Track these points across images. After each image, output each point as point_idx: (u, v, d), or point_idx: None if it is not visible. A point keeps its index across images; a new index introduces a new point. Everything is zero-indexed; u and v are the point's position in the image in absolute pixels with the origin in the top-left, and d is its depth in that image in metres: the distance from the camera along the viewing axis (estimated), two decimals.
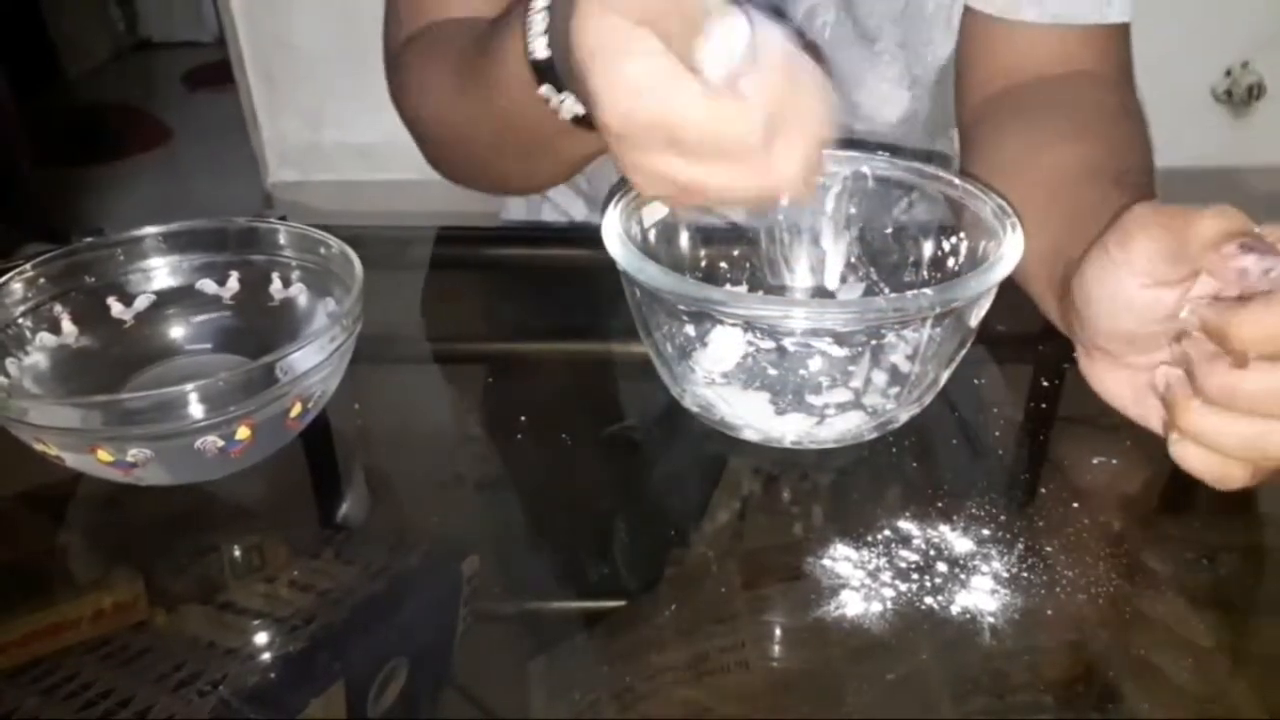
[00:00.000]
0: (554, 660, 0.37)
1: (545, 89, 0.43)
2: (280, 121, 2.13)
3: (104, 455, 0.39)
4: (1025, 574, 0.39)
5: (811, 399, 0.46)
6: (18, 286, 0.46)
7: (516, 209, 0.84)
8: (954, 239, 0.49)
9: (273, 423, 0.42)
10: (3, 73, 1.98)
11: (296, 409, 0.42)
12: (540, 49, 0.41)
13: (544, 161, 0.54)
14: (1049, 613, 0.37)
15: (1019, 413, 0.49)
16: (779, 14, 0.38)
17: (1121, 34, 0.61)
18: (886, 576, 0.39)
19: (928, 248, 0.50)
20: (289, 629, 0.38)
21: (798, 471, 0.45)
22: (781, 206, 0.52)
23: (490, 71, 0.48)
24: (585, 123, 0.42)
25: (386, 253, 0.65)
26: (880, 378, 0.46)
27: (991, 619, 0.37)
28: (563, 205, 0.79)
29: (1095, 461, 0.45)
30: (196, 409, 0.39)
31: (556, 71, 0.42)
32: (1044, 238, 0.47)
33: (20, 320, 0.46)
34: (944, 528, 0.41)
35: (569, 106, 0.43)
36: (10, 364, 0.45)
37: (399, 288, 0.62)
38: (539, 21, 0.41)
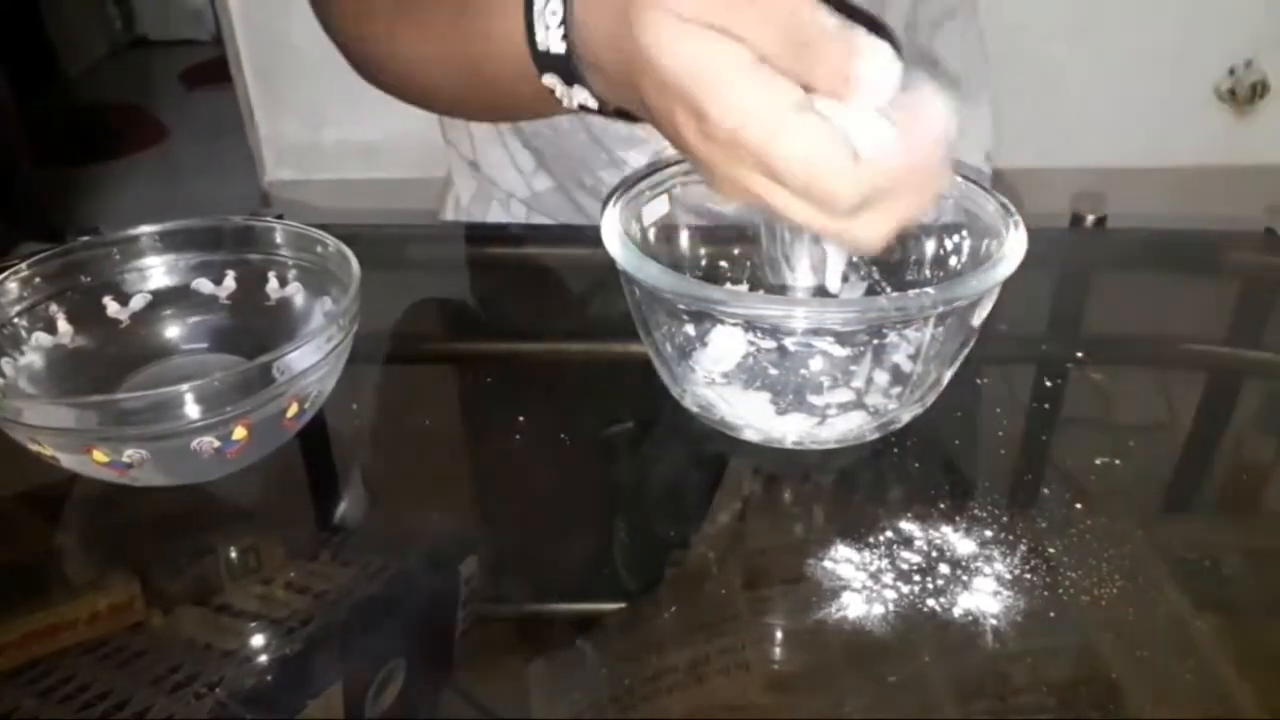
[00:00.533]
0: (553, 661, 0.37)
1: (551, 80, 0.42)
2: (277, 120, 2.13)
3: (100, 456, 0.39)
4: (1028, 575, 0.39)
5: (813, 399, 0.45)
6: (13, 286, 0.46)
7: (453, 211, 0.80)
8: (956, 238, 0.48)
9: (269, 423, 0.42)
10: (0, 71, 1.98)
11: (293, 409, 0.42)
12: (556, 43, 0.40)
13: (509, 109, 0.52)
14: (1051, 614, 0.37)
15: (1021, 413, 0.49)
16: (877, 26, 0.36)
17: None
18: (888, 578, 0.39)
19: (929, 246, 0.50)
20: (286, 630, 0.37)
21: (799, 472, 0.45)
22: None
23: (475, 45, 0.45)
24: (595, 111, 0.42)
25: (384, 252, 0.65)
26: (882, 377, 0.46)
27: (994, 620, 0.37)
28: (504, 196, 0.76)
29: (1098, 462, 0.45)
30: (193, 409, 0.38)
31: (570, 65, 0.40)
32: None
33: (15, 320, 0.46)
34: (946, 529, 0.41)
35: (579, 98, 0.42)
36: (5, 364, 0.45)
37: (397, 287, 0.62)
38: (554, 14, 0.39)
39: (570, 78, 0.41)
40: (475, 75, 0.48)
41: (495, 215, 0.76)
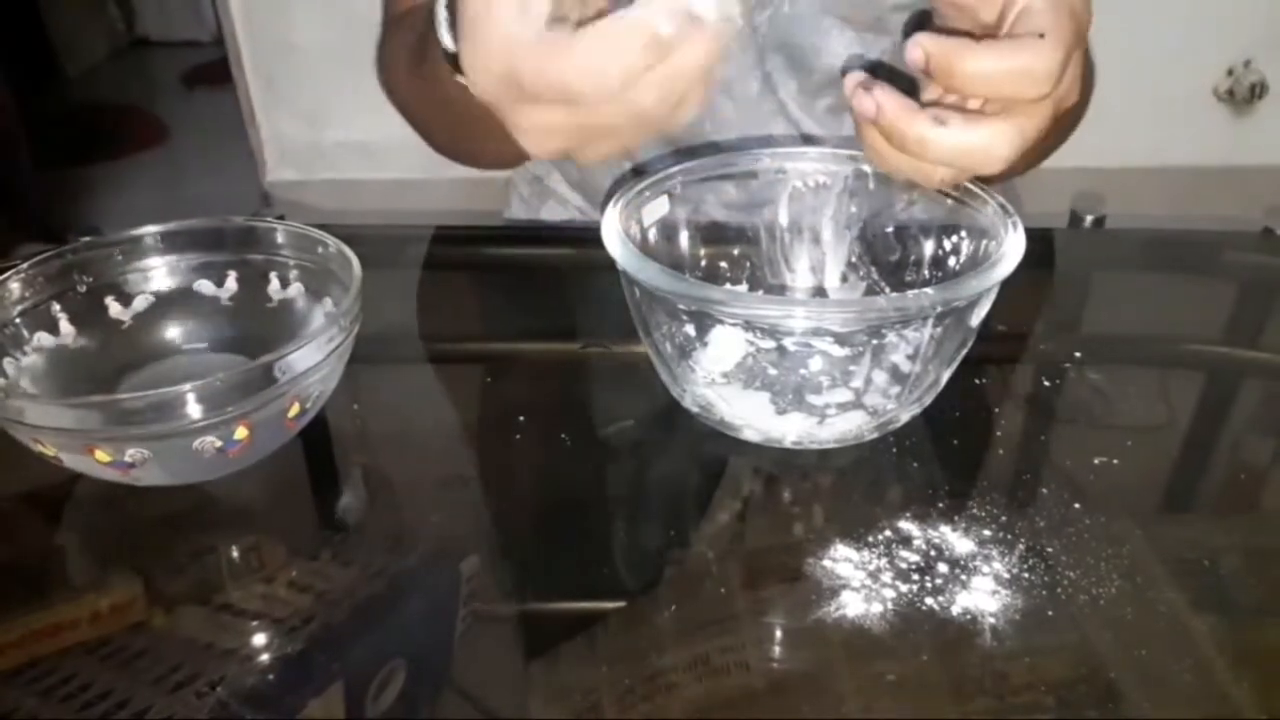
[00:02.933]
0: (553, 661, 0.37)
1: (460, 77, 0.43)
2: (278, 120, 2.13)
3: (102, 456, 0.39)
4: (1026, 575, 0.39)
5: (812, 399, 0.46)
6: (15, 286, 0.46)
7: (518, 209, 0.84)
8: (955, 238, 0.48)
9: (271, 423, 0.42)
10: (1, 72, 1.98)
11: (294, 409, 0.42)
12: (449, 41, 0.41)
13: (493, 141, 0.54)
14: (1050, 613, 0.37)
15: (1019, 413, 0.49)
16: None
17: None
18: (887, 577, 0.39)
19: (928, 247, 0.50)
20: (287, 630, 0.37)
21: (798, 472, 0.45)
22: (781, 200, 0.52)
23: (424, 64, 0.50)
24: None
25: (385, 252, 0.65)
26: (881, 377, 0.46)
27: (992, 620, 0.37)
28: (562, 193, 0.79)
29: (1096, 462, 0.45)
30: (194, 409, 0.39)
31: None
32: None
33: (18, 320, 0.46)
34: (945, 528, 0.41)
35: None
36: (8, 364, 0.45)
37: (398, 287, 0.62)
38: (442, 13, 0.41)
39: None
40: (433, 93, 0.52)
41: (552, 212, 0.80)
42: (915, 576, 0.39)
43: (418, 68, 0.53)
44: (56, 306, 0.48)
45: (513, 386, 0.53)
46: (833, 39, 0.63)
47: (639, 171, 0.70)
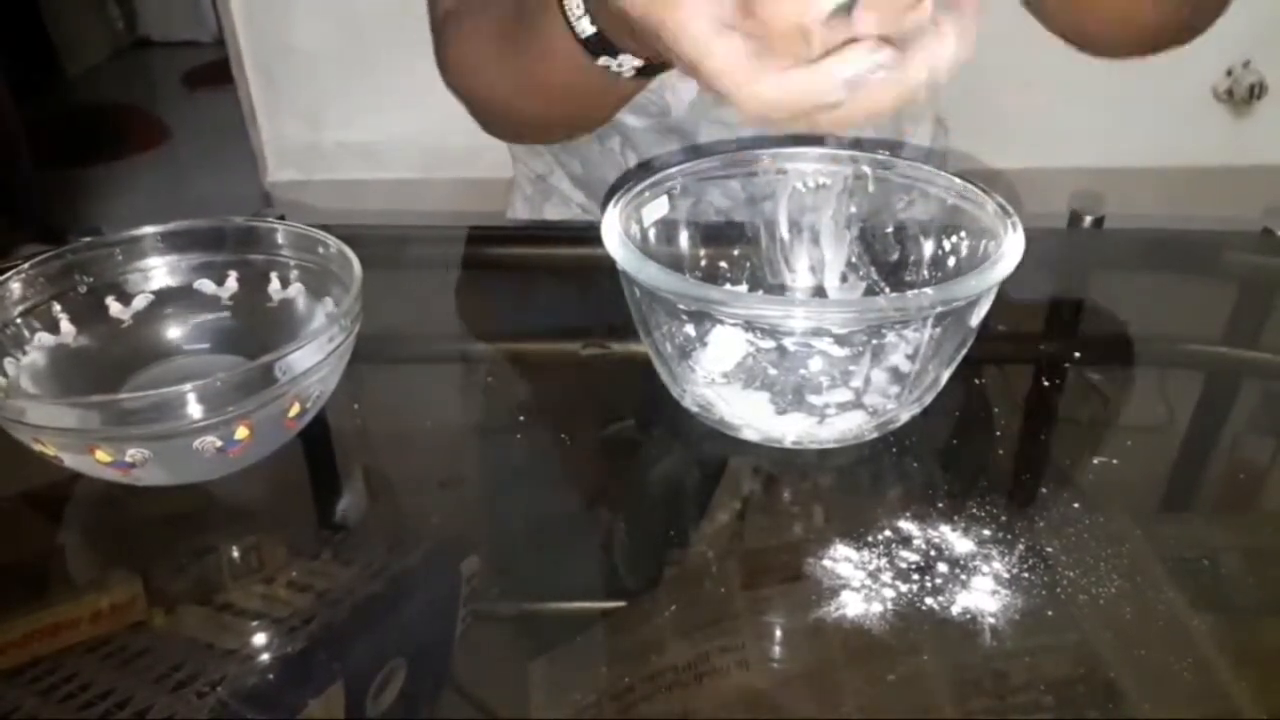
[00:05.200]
0: (554, 660, 0.37)
1: (604, 60, 0.46)
2: (279, 121, 2.13)
3: (102, 455, 0.39)
4: (1026, 574, 0.39)
5: (812, 399, 0.46)
6: (16, 286, 0.46)
7: (521, 208, 0.84)
8: (954, 238, 0.48)
9: (271, 423, 0.42)
10: (1, 72, 1.98)
11: (295, 409, 0.42)
12: (585, 27, 0.45)
13: (592, 113, 0.59)
14: (1050, 613, 0.37)
15: (1019, 413, 0.49)
16: None
17: None
18: (887, 577, 0.39)
19: (928, 247, 0.50)
20: (287, 629, 0.37)
21: (798, 471, 0.45)
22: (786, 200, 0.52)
23: (533, 46, 0.51)
24: (645, 70, 0.47)
25: (385, 252, 0.65)
26: (880, 377, 0.46)
27: (992, 619, 0.37)
28: (565, 191, 0.80)
29: (1096, 462, 0.45)
30: (195, 409, 0.39)
31: (605, 38, 0.45)
32: None
33: (18, 320, 0.46)
34: (944, 528, 0.41)
35: (628, 64, 0.46)
36: (8, 364, 0.45)
37: (398, 287, 0.62)
38: (578, 5, 0.45)
39: (614, 51, 0.46)
40: (547, 89, 0.54)
41: (555, 211, 0.81)
42: (915, 576, 0.39)
43: (513, 58, 0.54)
44: (57, 306, 0.48)
45: (513, 386, 0.53)
46: None
47: (645, 166, 0.70)
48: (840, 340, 0.46)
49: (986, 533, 0.41)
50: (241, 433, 0.41)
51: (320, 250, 0.49)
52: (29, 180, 2.08)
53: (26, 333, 0.46)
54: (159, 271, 0.50)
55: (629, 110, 0.69)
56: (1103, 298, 0.62)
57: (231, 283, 0.51)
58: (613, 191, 0.47)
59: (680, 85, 0.67)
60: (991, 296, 0.42)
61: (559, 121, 0.61)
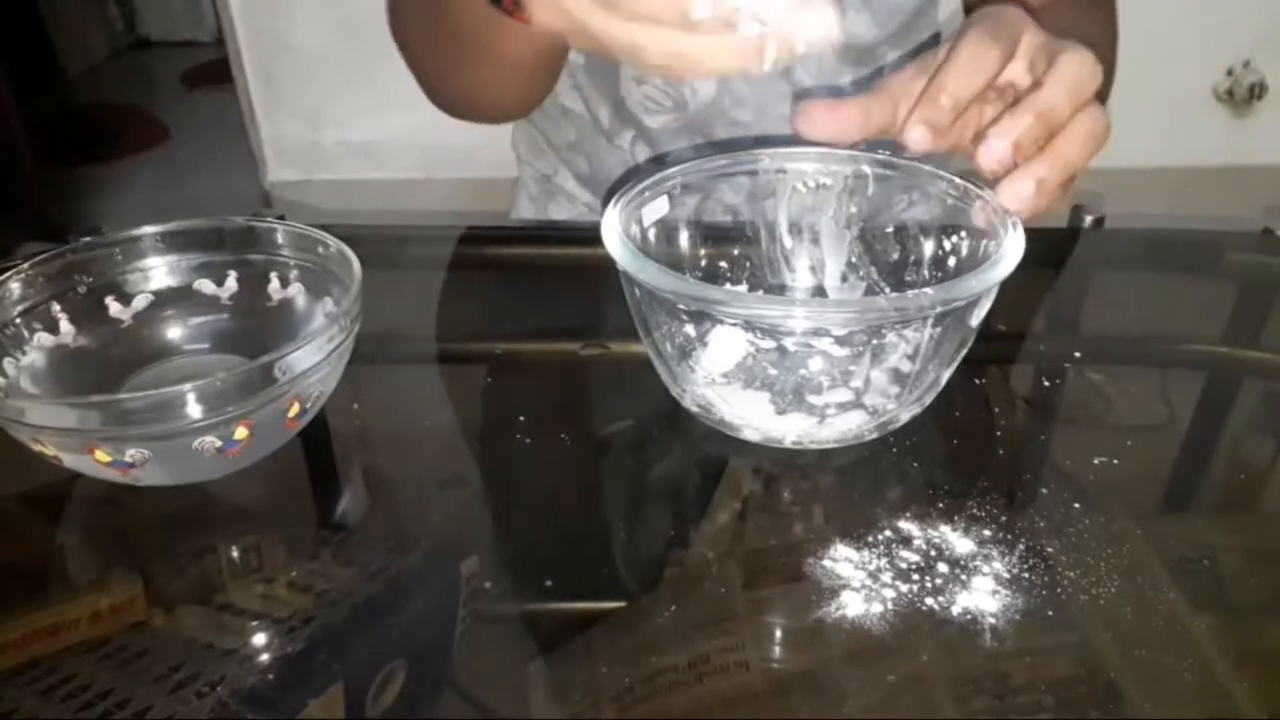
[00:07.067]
0: (553, 661, 0.37)
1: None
2: (279, 120, 2.13)
3: (102, 455, 0.39)
4: (1026, 574, 0.39)
5: (812, 399, 0.46)
6: (15, 286, 0.46)
7: (526, 207, 0.84)
8: (954, 238, 0.48)
9: (271, 423, 0.42)
10: (1, 72, 1.98)
11: (295, 409, 0.42)
12: None
13: (490, 69, 0.57)
14: (1050, 613, 0.37)
15: (1019, 413, 0.49)
16: None
17: None
18: (887, 577, 0.39)
19: (928, 247, 0.50)
20: (287, 630, 0.37)
21: (798, 472, 0.45)
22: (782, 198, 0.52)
23: (446, 13, 0.50)
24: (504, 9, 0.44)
25: (385, 252, 0.65)
26: (881, 377, 0.46)
27: (993, 620, 0.37)
28: (570, 190, 0.80)
29: (1096, 462, 0.45)
30: (194, 409, 0.39)
31: None
32: None
33: (18, 320, 0.46)
34: (945, 528, 0.41)
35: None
36: (8, 364, 0.45)
37: (398, 287, 0.62)
38: None
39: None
40: (453, 37, 0.53)
41: (560, 211, 0.81)
42: (915, 576, 0.39)
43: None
44: (56, 306, 0.48)
45: (513, 386, 0.53)
46: (850, 18, 0.63)
47: (658, 160, 0.70)
48: (840, 340, 0.46)
49: (986, 533, 0.41)
50: (241, 433, 0.41)
51: (320, 250, 0.49)
52: (29, 179, 2.08)
53: (26, 333, 0.46)
54: (159, 271, 0.50)
55: (644, 109, 0.69)
56: (1103, 298, 0.62)
57: (231, 283, 0.51)
58: (619, 188, 0.47)
59: (699, 81, 0.67)
60: (991, 296, 0.42)
61: (492, 85, 0.59)
